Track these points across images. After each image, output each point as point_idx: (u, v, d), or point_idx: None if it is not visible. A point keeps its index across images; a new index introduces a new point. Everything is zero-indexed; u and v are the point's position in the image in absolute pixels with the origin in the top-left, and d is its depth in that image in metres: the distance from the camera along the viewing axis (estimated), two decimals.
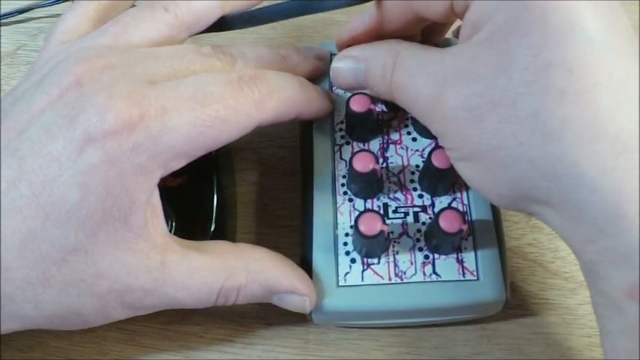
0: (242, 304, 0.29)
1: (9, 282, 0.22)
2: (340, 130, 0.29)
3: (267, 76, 0.25)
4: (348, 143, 0.29)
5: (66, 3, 0.39)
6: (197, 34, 0.27)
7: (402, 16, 0.25)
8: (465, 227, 0.24)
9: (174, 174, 0.23)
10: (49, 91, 0.23)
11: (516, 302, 0.28)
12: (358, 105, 0.27)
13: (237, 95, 0.24)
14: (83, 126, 0.21)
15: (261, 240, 0.31)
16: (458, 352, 0.27)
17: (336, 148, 0.28)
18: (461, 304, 0.25)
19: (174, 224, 0.27)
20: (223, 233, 0.29)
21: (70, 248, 0.22)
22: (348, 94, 0.28)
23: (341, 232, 0.26)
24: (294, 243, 0.29)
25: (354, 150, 0.28)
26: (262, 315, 0.29)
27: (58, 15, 0.40)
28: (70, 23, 0.27)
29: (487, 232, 0.26)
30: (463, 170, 0.23)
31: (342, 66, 0.27)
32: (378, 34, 0.26)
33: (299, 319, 0.28)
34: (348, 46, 0.27)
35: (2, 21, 0.40)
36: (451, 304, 0.25)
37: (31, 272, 0.22)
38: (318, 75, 0.30)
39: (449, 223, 0.24)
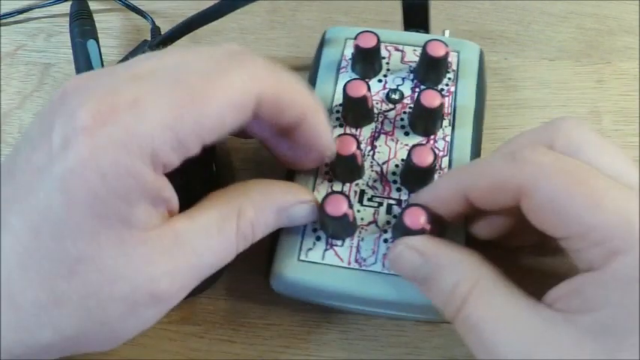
0: (242, 304, 0.29)
1: (18, 308, 0.20)
2: (337, 112, 0.29)
3: (260, 58, 0.23)
4: (341, 126, 0.29)
5: (66, 3, 0.39)
6: None
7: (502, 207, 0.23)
8: (427, 227, 0.24)
9: (172, 174, 0.23)
10: (41, 110, 0.22)
11: None
12: (354, 90, 0.28)
13: (222, 66, 0.21)
14: (60, 129, 0.20)
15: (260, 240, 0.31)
16: (458, 352, 0.27)
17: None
18: (415, 303, 0.25)
19: None
20: None
21: (73, 259, 0.20)
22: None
23: (315, 209, 0.26)
24: None
25: (340, 133, 0.28)
26: (262, 315, 0.29)
27: (58, 15, 0.40)
28: None
29: (458, 238, 0.26)
30: None
31: (405, 257, 0.23)
32: (467, 202, 0.24)
33: (299, 319, 0.29)
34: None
35: (2, 21, 0.40)
36: (405, 299, 0.25)
37: (40, 294, 0.20)
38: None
39: (413, 220, 0.24)
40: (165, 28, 0.37)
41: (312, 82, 0.31)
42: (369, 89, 0.28)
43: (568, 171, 0.21)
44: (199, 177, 0.29)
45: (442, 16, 0.35)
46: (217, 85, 0.21)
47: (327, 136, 0.25)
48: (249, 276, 0.29)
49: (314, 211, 0.25)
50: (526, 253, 0.28)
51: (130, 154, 0.20)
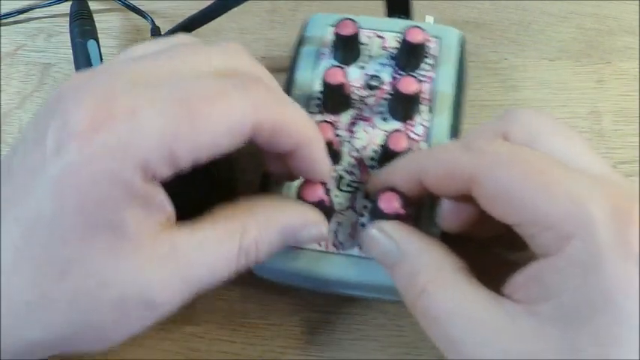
0: (242, 304, 0.29)
1: (9, 306, 0.20)
2: (317, 99, 0.30)
3: (274, 86, 0.24)
4: (321, 113, 0.30)
5: (66, 3, 0.39)
6: None
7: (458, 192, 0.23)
8: (402, 212, 0.24)
9: (172, 184, 0.22)
10: (39, 109, 0.22)
11: None
12: (331, 77, 0.28)
13: (224, 88, 0.21)
14: (54, 133, 0.20)
15: None
16: None
17: (308, 114, 0.29)
18: (393, 286, 0.24)
19: None
20: None
21: (63, 263, 0.20)
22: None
23: (292, 195, 0.27)
24: None
25: (319, 120, 0.29)
26: (262, 315, 0.29)
27: (58, 15, 0.40)
28: None
29: (430, 220, 0.26)
30: None
31: (377, 240, 0.24)
32: (424, 186, 0.24)
33: (299, 319, 0.29)
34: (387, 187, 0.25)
35: (2, 21, 0.40)
36: (383, 283, 0.25)
37: (30, 293, 0.20)
38: None
39: (387, 204, 0.24)
40: (165, 28, 0.37)
41: (293, 68, 0.31)
42: (346, 76, 0.28)
43: (522, 160, 0.21)
44: (199, 176, 0.29)
45: (442, 16, 0.36)
46: (217, 107, 0.21)
47: (321, 167, 0.25)
48: (249, 276, 0.29)
49: (323, 233, 0.25)
50: (502, 247, 0.28)
51: (121, 163, 0.20)
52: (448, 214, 0.25)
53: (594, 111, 0.34)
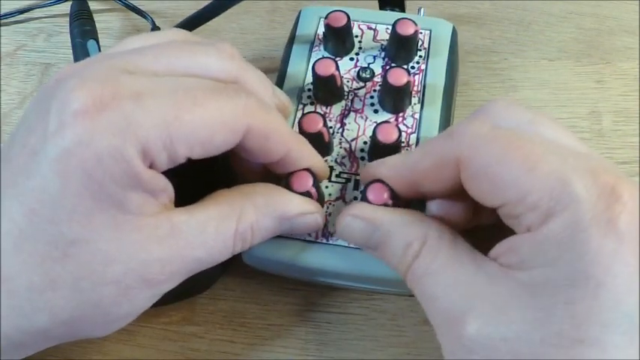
0: (242, 304, 0.29)
1: (13, 293, 0.20)
2: (309, 90, 0.30)
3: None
4: (312, 104, 0.30)
5: (66, 3, 0.39)
6: None
7: (451, 185, 0.23)
8: (390, 202, 0.24)
9: (173, 173, 0.23)
10: (35, 95, 0.22)
11: None
12: (322, 69, 0.28)
13: (219, 89, 0.22)
14: (56, 111, 0.20)
15: None
16: None
17: (300, 106, 0.30)
18: (379, 275, 0.25)
19: None
20: None
21: (68, 241, 0.20)
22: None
23: (283, 185, 0.27)
24: None
25: (308, 111, 0.29)
26: (262, 315, 0.29)
27: (58, 15, 0.40)
28: None
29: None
30: None
31: (355, 226, 0.24)
32: (415, 183, 0.24)
33: (299, 319, 0.29)
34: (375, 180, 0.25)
35: (2, 21, 0.40)
36: (372, 273, 0.25)
37: (34, 277, 0.20)
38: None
39: (376, 195, 0.24)
40: (165, 28, 0.37)
41: (286, 60, 0.31)
42: (337, 68, 0.28)
43: (503, 137, 0.21)
44: (198, 173, 0.29)
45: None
46: (214, 101, 0.22)
47: (315, 163, 0.26)
48: (249, 276, 0.29)
49: (318, 222, 0.25)
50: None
51: (125, 140, 0.20)
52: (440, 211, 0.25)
53: (594, 111, 0.34)
